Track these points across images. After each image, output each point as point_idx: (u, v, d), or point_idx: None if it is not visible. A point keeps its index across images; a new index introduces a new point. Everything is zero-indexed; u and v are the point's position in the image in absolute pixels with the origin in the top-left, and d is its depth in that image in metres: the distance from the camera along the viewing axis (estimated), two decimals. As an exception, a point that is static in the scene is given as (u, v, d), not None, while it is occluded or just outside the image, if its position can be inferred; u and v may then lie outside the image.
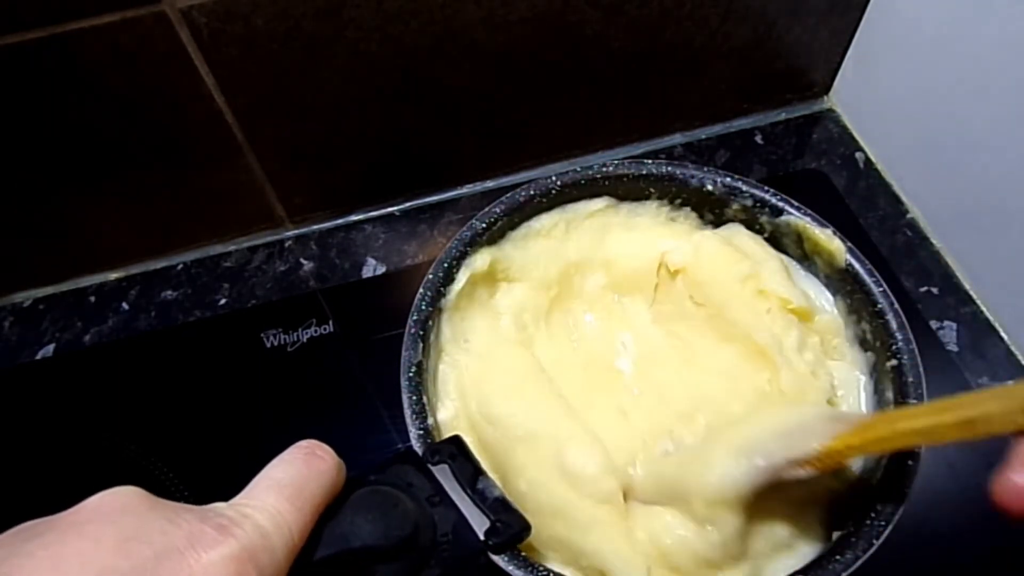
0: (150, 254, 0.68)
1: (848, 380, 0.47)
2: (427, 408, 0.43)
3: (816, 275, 0.51)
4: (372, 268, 0.67)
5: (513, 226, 0.51)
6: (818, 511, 0.44)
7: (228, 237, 0.69)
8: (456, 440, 0.37)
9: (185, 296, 0.66)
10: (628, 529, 0.41)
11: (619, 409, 0.48)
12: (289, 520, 0.26)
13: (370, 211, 0.70)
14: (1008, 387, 0.33)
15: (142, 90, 0.54)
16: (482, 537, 0.32)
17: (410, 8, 0.54)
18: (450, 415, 0.46)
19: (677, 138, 0.74)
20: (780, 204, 0.50)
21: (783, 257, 0.51)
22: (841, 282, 0.48)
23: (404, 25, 0.55)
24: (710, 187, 0.51)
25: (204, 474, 0.55)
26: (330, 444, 0.30)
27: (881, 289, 0.46)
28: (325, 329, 0.62)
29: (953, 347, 0.59)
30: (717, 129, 0.74)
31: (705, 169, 0.51)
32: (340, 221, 0.70)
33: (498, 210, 0.49)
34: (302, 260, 0.68)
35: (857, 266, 0.47)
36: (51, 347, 0.64)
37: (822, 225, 0.49)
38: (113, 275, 0.68)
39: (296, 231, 0.70)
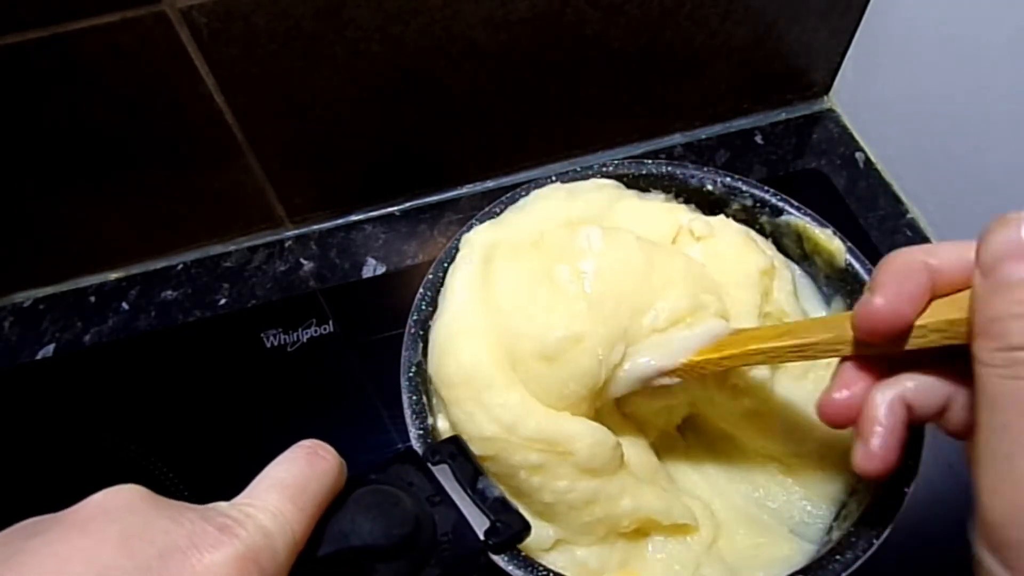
0: (150, 254, 0.68)
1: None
2: (427, 408, 0.43)
3: (816, 275, 0.51)
4: (372, 268, 0.67)
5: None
6: (818, 509, 0.44)
7: (228, 237, 0.69)
8: (456, 440, 0.37)
9: (185, 296, 0.66)
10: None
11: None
12: (291, 520, 0.26)
13: (370, 211, 0.70)
14: (835, 317, 0.38)
15: (142, 90, 0.54)
16: (482, 537, 0.32)
17: (410, 8, 0.54)
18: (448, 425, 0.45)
19: (677, 138, 0.74)
20: (780, 204, 0.50)
21: (792, 265, 0.51)
22: (841, 282, 0.49)
23: (404, 25, 0.55)
24: (710, 187, 0.51)
25: (204, 474, 0.55)
26: (330, 444, 0.30)
27: (881, 289, 0.46)
28: (325, 329, 0.62)
29: (953, 347, 0.59)
30: (717, 129, 0.74)
31: (705, 169, 0.51)
32: (340, 221, 0.70)
33: (498, 210, 0.49)
34: (302, 260, 0.68)
35: (857, 266, 0.47)
36: (51, 347, 0.64)
37: (822, 225, 0.49)
38: (113, 275, 0.68)
39: (296, 231, 0.70)
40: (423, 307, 0.46)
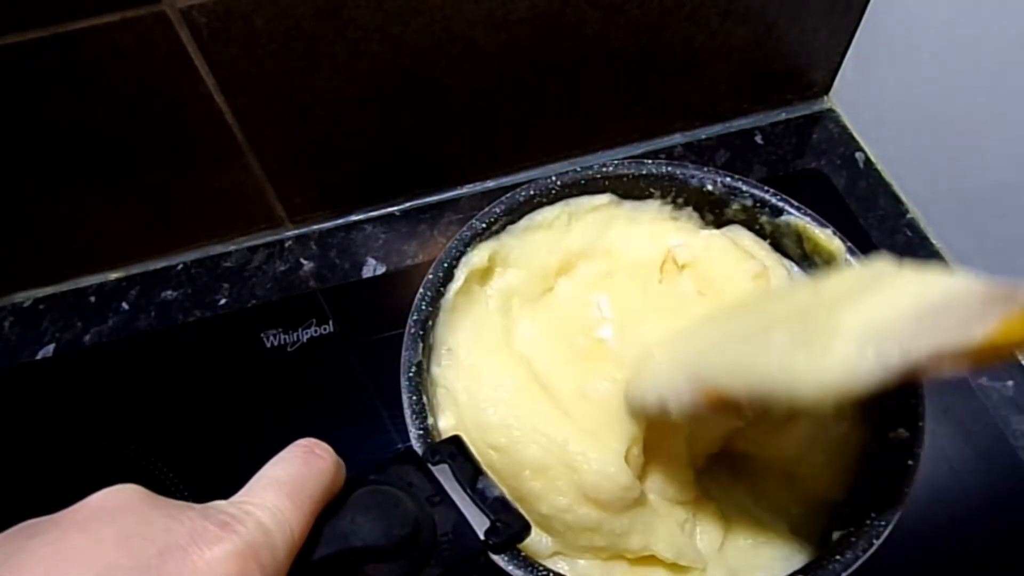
0: (150, 254, 0.68)
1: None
2: (427, 408, 0.43)
3: (816, 275, 0.51)
4: (372, 268, 0.67)
5: (513, 220, 0.50)
6: (817, 510, 0.44)
7: (228, 237, 0.69)
8: (456, 440, 0.37)
9: (185, 296, 0.66)
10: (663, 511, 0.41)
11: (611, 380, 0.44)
12: (290, 518, 0.26)
13: (370, 211, 0.70)
14: None
15: (142, 90, 0.54)
16: (482, 537, 0.32)
17: (410, 8, 0.54)
18: (451, 424, 0.45)
19: (677, 138, 0.74)
20: (780, 204, 0.50)
21: (786, 262, 0.51)
22: (841, 282, 0.48)
23: (404, 25, 0.55)
24: (710, 187, 0.51)
25: (204, 474, 0.54)
26: (330, 444, 0.30)
27: (881, 289, 0.46)
28: (325, 329, 0.62)
29: (953, 347, 0.59)
30: (717, 129, 0.74)
31: (705, 169, 0.51)
32: (340, 221, 0.70)
33: (498, 210, 0.49)
34: (302, 260, 0.68)
35: (857, 266, 0.47)
36: (51, 347, 0.64)
37: (822, 225, 0.49)
38: (113, 275, 0.68)
39: (296, 231, 0.70)
40: (423, 307, 0.46)
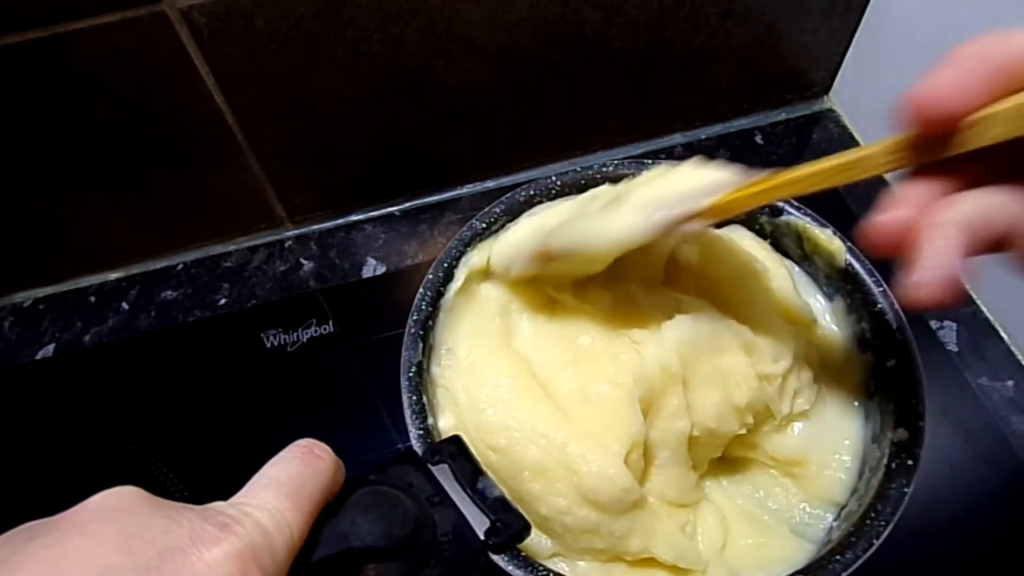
0: (150, 254, 0.68)
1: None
2: (427, 408, 0.43)
3: (816, 275, 0.51)
4: (372, 268, 0.67)
5: (513, 220, 0.50)
6: (818, 510, 0.44)
7: (228, 237, 0.69)
8: (456, 440, 0.37)
9: (185, 296, 0.66)
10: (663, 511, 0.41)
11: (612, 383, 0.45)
12: (289, 519, 0.26)
13: (370, 211, 0.70)
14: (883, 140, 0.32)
15: (142, 90, 0.54)
16: (482, 537, 0.32)
17: (410, 8, 0.54)
18: (450, 424, 0.45)
19: (677, 138, 0.74)
20: (780, 204, 0.50)
21: (786, 262, 0.51)
22: (841, 282, 0.48)
23: (404, 25, 0.55)
24: (710, 187, 0.51)
25: (204, 474, 0.55)
26: (330, 444, 0.30)
27: (881, 289, 0.46)
28: (325, 329, 0.62)
29: (953, 347, 0.59)
30: (717, 129, 0.74)
31: (705, 169, 0.51)
32: (340, 221, 0.70)
33: (498, 210, 0.49)
34: (302, 260, 0.68)
35: (857, 266, 0.47)
36: (51, 347, 0.64)
37: (822, 225, 0.49)
38: (113, 275, 0.68)
39: (296, 231, 0.70)
40: (423, 307, 0.46)
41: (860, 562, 0.37)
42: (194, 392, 0.60)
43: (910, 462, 0.40)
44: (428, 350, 0.46)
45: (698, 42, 0.64)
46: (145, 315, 0.65)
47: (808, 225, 0.49)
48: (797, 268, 0.52)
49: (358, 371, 0.60)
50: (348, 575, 0.29)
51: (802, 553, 0.43)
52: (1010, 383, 0.57)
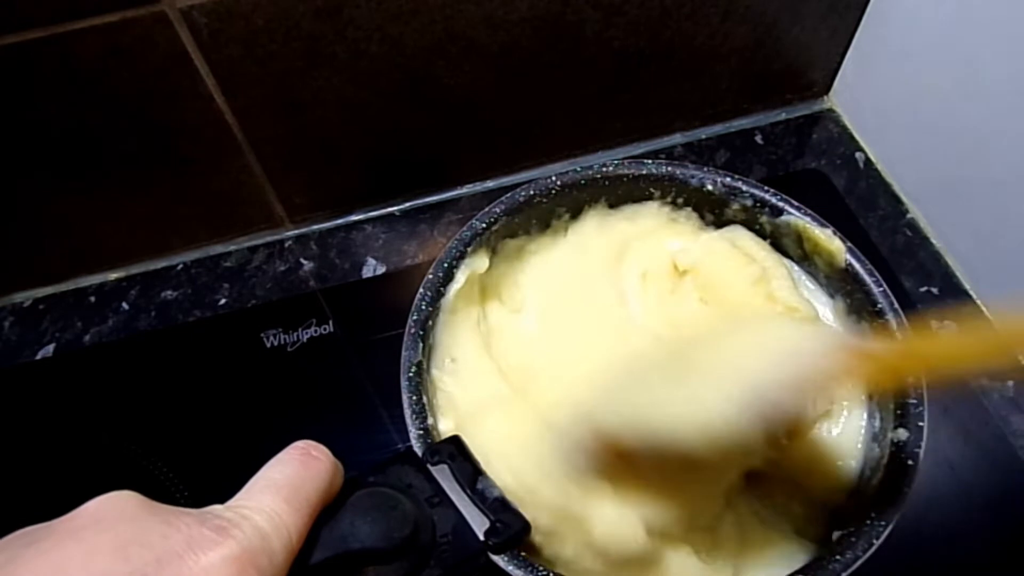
0: (150, 254, 0.68)
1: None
2: (427, 408, 0.43)
3: (816, 275, 0.51)
4: (372, 268, 0.67)
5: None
6: (818, 510, 0.44)
7: (228, 237, 0.69)
8: (456, 440, 0.37)
9: (185, 296, 0.66)
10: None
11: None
12: (287, 521, 0.26)
13: (370, 211, 0.70)
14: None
15: (142, 90, 0.54)
16: (482, 537, 0.32)
17: (410, 8, 0.54)
18: (450, 427, 0.45)
19: (677, 138, 0.74)
20: (780, 204, 0.50)
21: (787, 262, 0.51)
22: (841, 282, 0.48)
23: (404, 25, 0.55)
24: (710, 187, 0.51)
25: (204, 474, 0.55)
26: (330, 444, 0.30)
27: (881, 289, 0.46)
28: (325, 329, 0.62)
29: (953, 347, 0.59)
30: (717, 129, 0.74)
31: (705, 169, 0.51)
32: (340, 221, 0.70)
33: (498, 210, 0.49)
34: (302, 260, 0.68)
35: (857, 266, 0.47)
36: (51, 347, 0.64)
37: (822, 225, 0.49)
38: (113, 275, 0.68)
39: (296, 231, 0.70)
40: (423, 307, 0.46)
41: (860, 562, 0.37)
42: (194, 392, 0.60)
43: (910, 462, 0.40)
44: (428, 350, 0.46)
45: (698, 42, 0.64)
46: (145, 315, 0.65)
47: (808, 225, 0.49)
48: (797, 268, 0.52)
49: (358, 371, 0.60)
50: (347, 576, 0.29)
51: (802, 553, 0.43)
52: (1010, 383, 0.57)
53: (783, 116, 0.75)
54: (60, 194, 0.60)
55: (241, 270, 0.68)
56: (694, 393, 0.32)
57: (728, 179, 0.51)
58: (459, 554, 0.31)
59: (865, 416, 0.46)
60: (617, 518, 0.38)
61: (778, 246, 0.51)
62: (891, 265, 0.63)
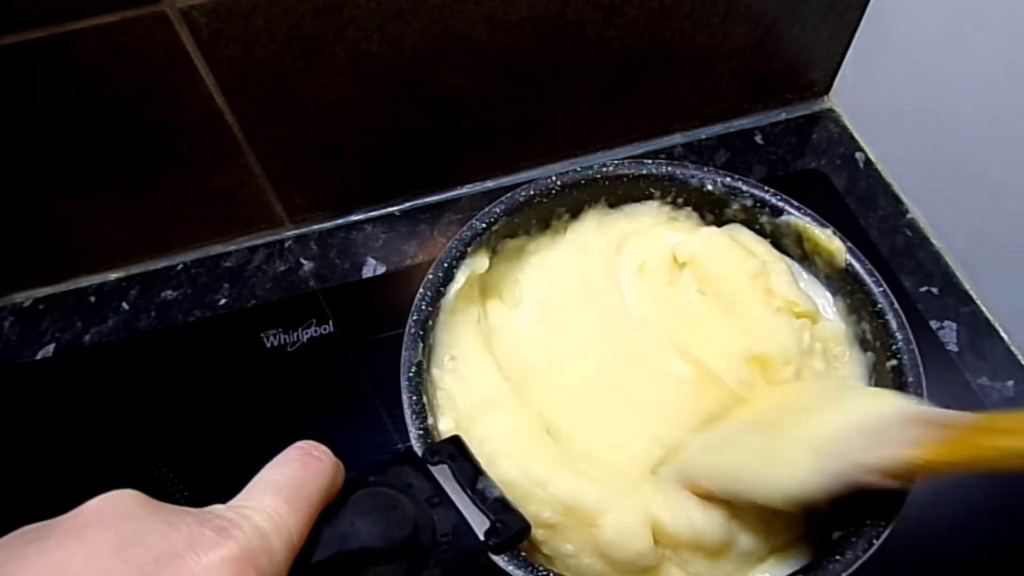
0: (150, 254, 0.68)
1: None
2: (427, 408, 0.43)
3: (816, 275, 0.51)
4: (372, 268, 0.67)
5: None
6: (818, 510, 0.44)
7: (228, 237, 0.69)
8: (456, 440, 0.37)
9: (185, 296, 0.66)
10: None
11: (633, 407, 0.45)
12: (288, 521, 0.26)
13: (370, 211, 0.70)
14: None
15: (142, 90, 0.54)
16: (482, 537, 0.32)
17: (410, 8, 0.54)
18: (450, 427, 0.45)
19: (677, 138, 0.74)
20: (780, 204, 0.50)
21: (787, 259, 0.51)
22: (841, 282, 0.48)
23: (404, 25, 0.55)
24: (710, 187, 0.51)
25: (204, 474, 0.55)
26: (330, 444, 0.30)
27: (881, 289, 0.46)
28: (325, 329, 0.62)
29: (953, 347, 0.59)
30: (717, 129, 0.74)
31: (705, 169, 0.51)
32: (340, 221, 0.70)
33: (498, 210, 0.49)
34: (302, 260, 0.68)
35: (857, 266, 0.47)
36: (51, 347, 0.64)
37: (822, 225, 0.49)
38: (113, 275, 0.68)
39: (296, 231, 0.70)
40: (423, 307, 0.46)
41: (860, 562, 0.37)
42: (194, 392, 0.60)
43: (910, 463, 0.40)
44: (428, 350, 0.46)
45: (698, 42, 0.64)
46: (145, 315, 0.65)
47: (808, 225, 0.49)
48: (797, 267, 0.52)
49: (358, 371, 0.60)
50: (348, 576, 0.29)
51: (802, 553, 0.42)
52: (1010, 383, 0.57)
53: (783, 116, 0.75)
54: (60, 194, 0.60)
55: (241, 270, 0.68)
56: (786, 460, 0.36)
57: (728, 179, 0.51)
58: (459, 554, 0.31)
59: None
60: (632, 522, 0.38)
61: (778, 246, 0.51)
62: (891, 265, 0.63)
